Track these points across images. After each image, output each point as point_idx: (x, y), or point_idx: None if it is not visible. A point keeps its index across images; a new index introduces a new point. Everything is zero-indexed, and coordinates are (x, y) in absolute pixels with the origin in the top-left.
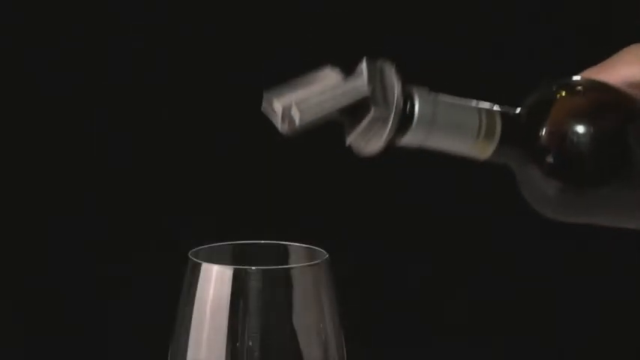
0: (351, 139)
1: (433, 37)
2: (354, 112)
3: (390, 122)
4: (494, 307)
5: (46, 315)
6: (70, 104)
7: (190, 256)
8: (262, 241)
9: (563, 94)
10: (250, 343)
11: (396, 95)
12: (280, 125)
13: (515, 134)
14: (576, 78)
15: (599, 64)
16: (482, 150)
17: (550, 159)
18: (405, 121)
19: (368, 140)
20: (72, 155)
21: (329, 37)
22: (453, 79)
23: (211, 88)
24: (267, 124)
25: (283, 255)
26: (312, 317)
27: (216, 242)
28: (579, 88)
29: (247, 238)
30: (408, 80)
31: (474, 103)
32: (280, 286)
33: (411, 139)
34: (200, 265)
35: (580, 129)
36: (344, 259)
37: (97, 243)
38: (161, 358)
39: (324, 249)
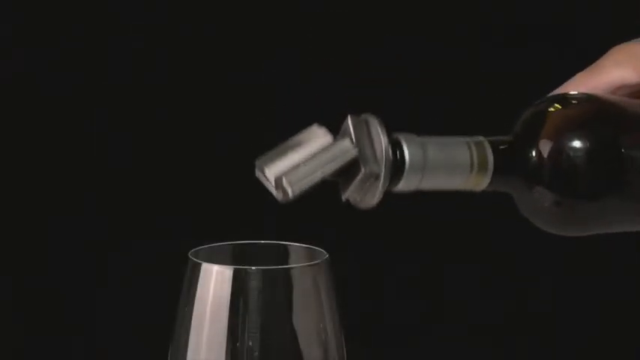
0: (346, 196)
1: (433, 37)
2: (346, 171)
3: (382, 177)
4: (494, 307)
5: (46, 315)
6: (70, 104)
7: (190, 256)
8: (262, 241)
9: (550, 114)
10: (250, 343)
11: (383, 149)
12: (275, 194)
13: (509, 162)
14: (561, 94)
15: (589, 67)
16: (477, 183)
17: (547, 179)
18: (396, 171)
19: (364, 195)
20: (72, 155)
21: (329, 37)
22: (453, 79)
23: (211, 88)
24: (267, 124)
25: (283, 255)
26: (312, 317)
27: (216, 242)
28: (566, 105)
29: (247, 238)
30: (408, 83)
31: (462, 138)
32: (280, 286)
33: (405, 185)
34: (200, 265)
35: (573, 145)
36: (344, 259)
37: (97, 243)
38: (161, 358)
39: (324, 249)
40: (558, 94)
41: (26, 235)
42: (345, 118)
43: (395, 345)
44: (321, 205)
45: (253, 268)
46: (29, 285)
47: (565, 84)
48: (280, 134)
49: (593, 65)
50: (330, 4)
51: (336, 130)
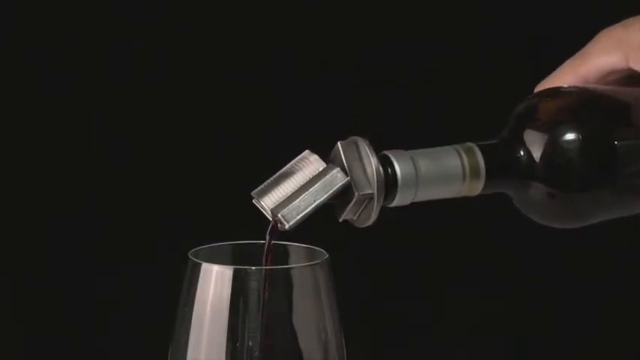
0: (343, 218)
1: (433, 37)
2: (340, 195)
3: (376, 197)
4: (494, 307)
5: (46, 315)
6: (70, 104)
7: (190, 256)
8: (262, 241)
9: (540, 109)
10: (250, 343)
11: (374, 170)
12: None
13: (500, 164)
14: (549, 88)
15: (576, 54)
16: (471, 189)
17: (541, 174)
18: (390, 188)
19: (359, 215)
20: (72, 155)
21: (329, 37)
22: (453, 79)
23: (211, 88)
24: (267, 124)
25: (283, 255)
26: (312, 317)
27: (216, 242)
28: (555, 99)
29: (247, 238)
30: (408, 83)
31: (450, 147)
32: (280, 286)
33: (400, 201)
34: (200, 265)
35: (565, 137)
36: (344, 259)
37: (97, 243)
38: (161, 358)
39: (324, 249)
40: (546, 89)
41: (26, 235)
42: (341, 117)
43: (395, 345)
44: (322, 207)
45: (253, 268)
46: (29, 285)
47: (554, 72)
48: (280, 134)
49: (580, 52)
50: (330, 4)
51: (333, 132)
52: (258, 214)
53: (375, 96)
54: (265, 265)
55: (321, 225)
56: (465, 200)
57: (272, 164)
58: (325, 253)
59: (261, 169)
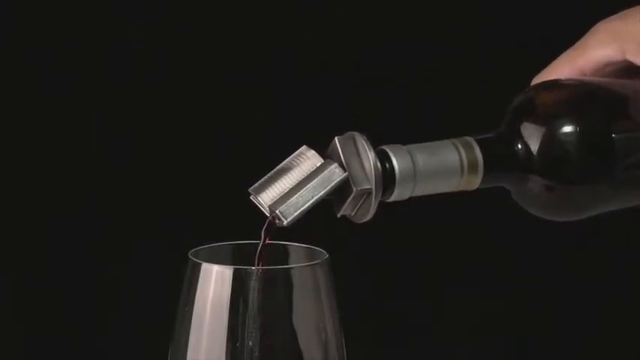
0: (341, 213)
1: (433, 37)
2: (338, 190)
3: (374, 192)
4: (495, 307)
5: (46, 315)
6: (70, 104)
7: (190, 256)
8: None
9: (537, 102)
10: (250, 343)
11: (372, 166)
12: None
13: (498, 157)
14: (546, 81)
15: (572, 47)
16: (470, 183)
17: (539, 168)
18: (388, 183)
19: (358, 210)
20: (72, 155)
21: (329, 37)
22: (453, 79)
23: (211, 88)
24: (267, 124)
25: (283, 255)
26: (312, 317)
27: (216, 242)
28: (552, 92)
29: (247, 238)
30: (408, 83)
31: (448, 141)
32: (280, 286)
33: (398, 195)
34: (200, 265)
35: (563, 130)
36: (344, 259)
37: (97, 243)
38: (161, 358)
39: (324, 249)
40: (543, 82)
41: (26, 235)
42: (341, 117)
43: (395, 345)
44: (321, 204)
45: (253, 268)
46: (29, 285)
47: (551, 64)
48: (280, 134)
49: (577, 44)
50: (330, 4)
51: (333, 132)
52: (258, 213)
53: (375, 96)
54: (259, 262)
55: (321, 225)
56: (464, 200)
57: (272, 164)
58: (325, 253)
59: (261, 169)
